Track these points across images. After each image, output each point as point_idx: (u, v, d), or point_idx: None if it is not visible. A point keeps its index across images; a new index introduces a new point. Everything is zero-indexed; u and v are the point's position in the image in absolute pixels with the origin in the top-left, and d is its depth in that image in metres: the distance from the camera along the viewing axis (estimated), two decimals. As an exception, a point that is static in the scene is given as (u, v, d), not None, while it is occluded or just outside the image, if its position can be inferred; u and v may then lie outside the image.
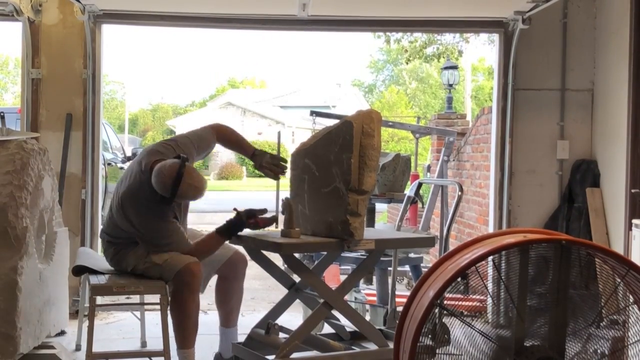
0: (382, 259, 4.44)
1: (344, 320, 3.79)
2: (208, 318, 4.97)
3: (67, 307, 4.62)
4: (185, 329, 3.59)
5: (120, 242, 3.76)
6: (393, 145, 29.84)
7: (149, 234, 3.64)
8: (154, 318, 4.43)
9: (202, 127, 3.95)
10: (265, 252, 3.74)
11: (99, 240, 5.48)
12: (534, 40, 5.39)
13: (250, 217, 3.64)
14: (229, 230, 3.65)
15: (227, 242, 3.75)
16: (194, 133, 3.90)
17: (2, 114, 4.03)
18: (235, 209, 3.73)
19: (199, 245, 3.70)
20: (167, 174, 3.49)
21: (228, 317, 3.92)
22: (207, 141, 3.88)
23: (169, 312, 3.62)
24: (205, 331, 4.13)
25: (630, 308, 2.53)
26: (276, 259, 3.75)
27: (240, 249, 3.89)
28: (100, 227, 5.47)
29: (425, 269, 2.99)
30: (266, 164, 3.90)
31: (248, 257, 3.90)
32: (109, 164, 9.05)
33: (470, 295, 2.50)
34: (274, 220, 3.74)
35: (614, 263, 2.49)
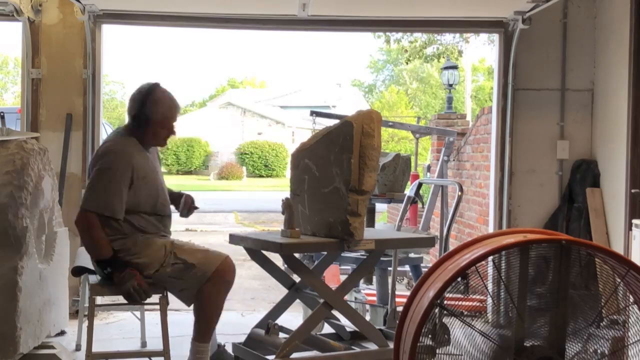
0: (382, 259, 4.44)
1: (344, 320, 3.79)
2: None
3: (67, 307, 4.62)
4: (212, 324, 3.54)
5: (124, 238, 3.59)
6: (393, 145, 29.85)
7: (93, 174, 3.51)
8: (154, 318, 4.42)
9: None
10: (265, 252, 3.74)
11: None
12: (534, 40, 5.39)
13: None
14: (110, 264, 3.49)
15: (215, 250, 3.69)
16: None
17: (2, 114, 4.03)
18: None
19: (97, 232, 3.47)
20: (141, 86, 3.58)
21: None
22: None
23: (198, 308, 3.51)
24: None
25: (630, 308, 2.53)
26: (276, 259, 3.75)
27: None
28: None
29: (425, 269, 2.99)
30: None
31: (246, 258, 3.89)
32: (109, 164, 9.04)
33: (470, 295, 2.50)
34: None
35: (614, 263, 2.49)
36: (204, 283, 3.50)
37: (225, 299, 3.58)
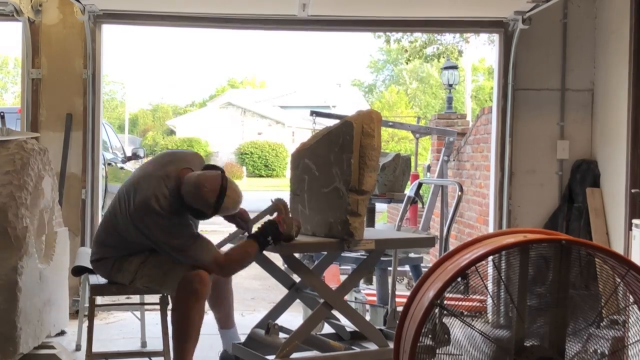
0: (382, 259, 4.45)
1: (344, 320, 3.79)
2: (207, 317, 4.97)
3: (67, 307, 4.62)
4: (187, 341, 3.36)
5: (113, 255, 3.55)
6: (393, 145, 29.85)
7: (173, 241, 3.34)
8: (154, 318, 4.42)
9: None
10: (265, 252, 3.73)
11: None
12: (534, 40, 5.39)
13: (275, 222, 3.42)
14: (264, 235, 3.40)
15: (214, 244, 3.60)
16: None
17: (2, 114, 4.03)
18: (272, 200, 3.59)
19: (232, 252, 3.42)
20: (209, 187, 3.27)
21: (226, 320, 3.85)
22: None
23: (169, 322, 3.44)
24: (206, 331, 4.12)
25: (630, 308, 2.53)
26: (276, 259, 3.75)
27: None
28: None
29: (425, 269, 2.99)
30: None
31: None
32: (109, 164, 9.05)
33: (470, 295, 2.50)
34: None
35: (614, 263, 2.49)
36: (175, 292, 3.40)
37: (197, 310, 3.36)
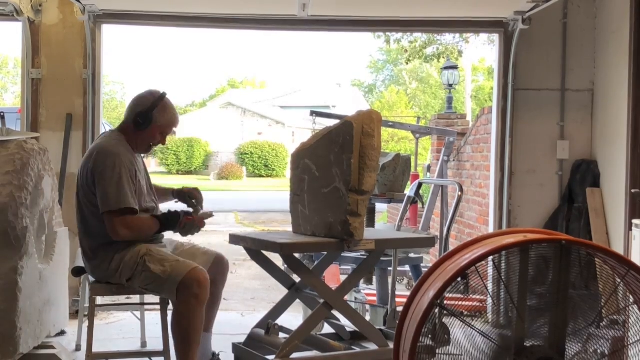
0: (382, 259, 4.44)
1: (344, 320, 3.79)
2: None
3: (67, 307, 4.62)
4: (190, 345, 3.37)
5: (103, 250, 3.54)
6: (393, 145, 29.86)
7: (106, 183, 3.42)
8: (154, 318, 4.42)
9: None
10: (265, 252, 3.74)
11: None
12: (534, 40, 5.39)
13: (188, 215, 3.60)
14: (166, 219, 3.53)
15: (207, 247, 3.71)
16: None
17: (2, 114, 4.03)
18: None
19: (139, 219, 3.48)
20: (152, 91, 3.65)
21: (211, 323, 3.79)
22: None
23: (170, 325, 3.43)
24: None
25: (630, 308, 2.53)
26: (276, 259, 3.75)
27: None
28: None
29: (425, 269, 2.99)
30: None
31: (246, 258, 3.87)
32: (109, 164, 9.05)
33: (470, 295, 2.50)
34: (208, 216, 3.68)
35: (614, 263, 2.49)
36: (175, 296, 3.39)
37: (199, 312, 3.37)
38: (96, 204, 3.49)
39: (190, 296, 3.35)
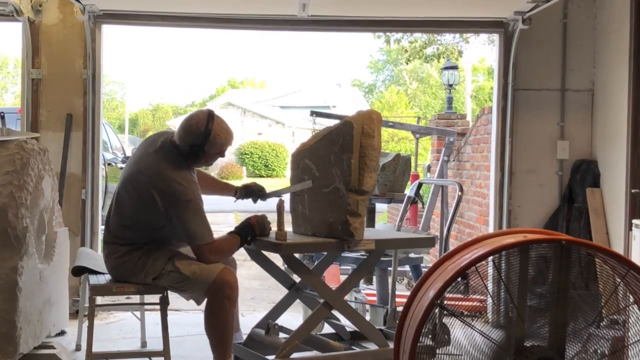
0: (382, 259, 4.44)
1: (344, 320, 3.79)
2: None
3: (67, 307, 4.62)
4: (226, 343, 3.43)
5: (133, 249, 3.53)
6: (393, 145, 29.85)
7: (181, 199, 3.39)
8: (154, 318, 4.42)
9: None
10: (265, 252, 3.74)
11: (99, 240, 5.48)
12: (534, 41, 5.39)
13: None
14: (243, 231, 3.53)
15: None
16: None
17: (2, 114, 4.03)
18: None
19: (221, 241, 3.52)
20: (197, 117, 3.47)
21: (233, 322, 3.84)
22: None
23: (205, 327, 3.44)
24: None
25: (630, 308, 2.53)
26: (276, 259, 3.75)
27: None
28: (100, 227, 5.47)
29: (425, 269, 2.99)
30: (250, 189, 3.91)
31: (246, 258, 3.87)
32: (109, 164, 9.06)
33: (470, 295, 2.50)
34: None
35: (614, 263, 2.49)
36: (204, 295, 3.44)
37: (232, 312, 3.45)
38: (149, 219, 3.48)
39: (223, 298, 3.41)
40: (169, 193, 3.38)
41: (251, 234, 3.54)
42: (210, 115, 3.48)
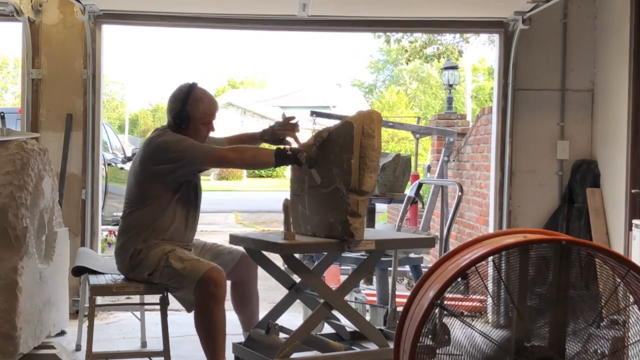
0: (382, 259, 4.44)
1: (344, 320, 3.79)
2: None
3: (67, 307, 4.62)
4: (215, 342, 3.43)
5: (137, 242, 3.59)
6: (393, 145, 29.84)
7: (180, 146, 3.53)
8: (154, 318, 4.43)
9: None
10: (265, 253, 3.74)
11: (99, 241, 5.49)
12: (534, 41, 5.39)
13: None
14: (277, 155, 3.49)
15: (233, 245, 3.69)
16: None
17: (2, 114, 4.03)
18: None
19: (242, 146, 3.68)
20: (180, 86, 3.65)
21: (251, 321, 3.85)
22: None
23: (194, 325, 3.46)
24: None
25: (631, 308, 2.53)
26: (276, 259, 3.75)
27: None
28: (100, 227, 5.48)
29: (426, 269, 2.99)
30: (278, 130, 3.83)
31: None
32: (109, 164, 9.06)
33: (470, 296, 2.50)
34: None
35: (614, 263, 2.49)
36: (193, 294, 3.44)
37: (219, 311, 3.43)
38: (152, 195, 3.59)
39: (208, 295, 3.41)
40: (162, 146, 3.55)
41: (285, 161, 3.52)
42: (192, 83, 3.66)
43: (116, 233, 3.79)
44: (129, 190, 3.73)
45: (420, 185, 5.31)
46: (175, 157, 3.52)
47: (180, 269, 3.46)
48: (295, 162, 3.50)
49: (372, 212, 4.98)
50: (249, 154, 3.61)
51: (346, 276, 4.28)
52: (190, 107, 3.59)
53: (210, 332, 3.44)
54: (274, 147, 3.71)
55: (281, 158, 3.49)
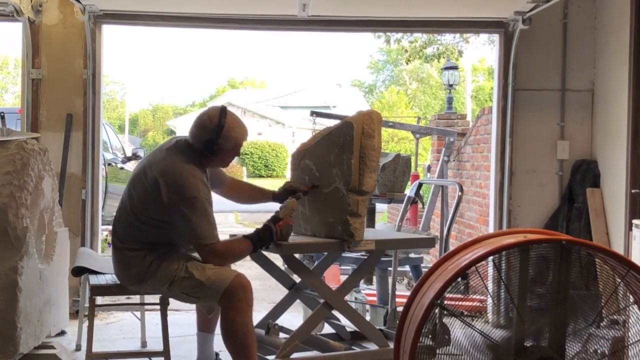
0: (382, 259, 4.44)
1: (344, 320, 3.79)
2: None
3: (67, 307, 4.62)
4: (250, 349, 3.30)
5: (143, 255, 3.38)
6: (393, 145, 29.84)
7: (187, 195, 3.27)
8: (154, 318, 4.43)
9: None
10: (265, 253, 3.74)
11: (99, 240, 5.49)
12: (534, 41, 5.39)
13: (277, 221, 3.46)
14: (259, 238, 3.42)
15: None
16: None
17: (2, 114, 4.03)
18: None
19: (230, 244, 3.43)
20: (210, 113, 3.40)
21: (209, 324, 3.75)
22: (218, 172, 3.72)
23: (223, 335, 3.32)
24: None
25: (630, 308, 2.53)
26: (276, 259, 3.75)
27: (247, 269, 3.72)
28: (100, 227, 5.48)
29: (426, 269, 2.99)
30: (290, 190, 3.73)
31: (246, 258, 3.79)
32: (109, 164, 9.06)
33: (471, 296, 2.50)
34: (292, 207, 3.55)
35: (614, 263, 2.49)
36: (218, 302, 3.33)
37: (249, 316, 3.33)
38: (160, 218, 3.36)
39: (239, 301, 3.29)
40: (174, 185, 3.28)
41: (269, 240, 3.43)
42: (223, 110, 3.42)
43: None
44: (129, 194, 3.46)
45: (420, 185, 5.31)
46: (183, 214, 3.28)
47: (205, 279, 3.32)
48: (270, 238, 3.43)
49: (372, 212, 4.98)
50: (237, 256, 3.49)
51: (346, 276, 4.29)
52: (222, 140, 3.37)
53: (245, 338, 3.30)
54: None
55: (259, 240, 3.43)
